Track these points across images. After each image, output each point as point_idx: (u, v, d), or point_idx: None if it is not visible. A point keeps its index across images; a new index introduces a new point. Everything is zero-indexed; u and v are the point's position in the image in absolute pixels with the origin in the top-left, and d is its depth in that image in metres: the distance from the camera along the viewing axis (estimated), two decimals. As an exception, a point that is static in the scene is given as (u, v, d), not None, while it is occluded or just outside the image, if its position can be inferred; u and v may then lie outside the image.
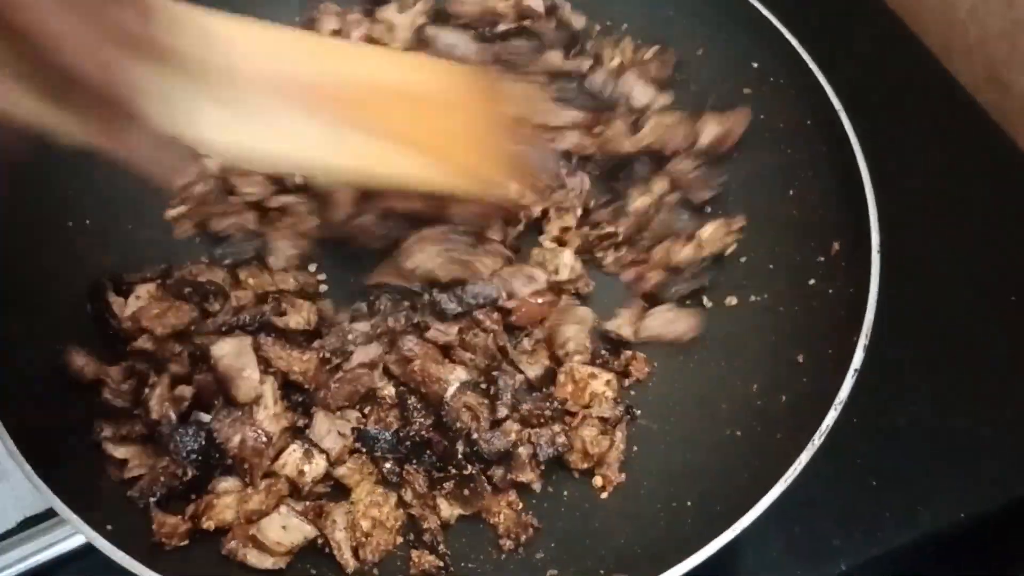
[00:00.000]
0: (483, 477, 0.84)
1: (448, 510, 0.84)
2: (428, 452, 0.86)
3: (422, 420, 0.86)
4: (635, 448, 0.91)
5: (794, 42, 0.99)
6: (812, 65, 0.97)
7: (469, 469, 0.84)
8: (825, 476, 0.94)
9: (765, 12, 1.02)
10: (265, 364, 0.87)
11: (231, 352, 0.85)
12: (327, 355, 0.88)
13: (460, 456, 0.84)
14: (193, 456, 0.81)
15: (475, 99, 0.87)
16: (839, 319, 0.85)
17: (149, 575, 0.71)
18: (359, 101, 0.78)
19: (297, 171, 0.95)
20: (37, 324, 0.87)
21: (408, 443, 0.85)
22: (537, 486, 0.86)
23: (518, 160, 0.89)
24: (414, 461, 0.86)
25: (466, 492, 0.83)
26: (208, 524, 0.80)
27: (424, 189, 0.87)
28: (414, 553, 0.82)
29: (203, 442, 0.82)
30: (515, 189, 0.93)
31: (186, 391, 0.85)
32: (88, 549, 0.79)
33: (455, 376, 0.87)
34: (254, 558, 0.78)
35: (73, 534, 0.80)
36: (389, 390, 0.89)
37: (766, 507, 0.73)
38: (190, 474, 0.81)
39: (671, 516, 0.82)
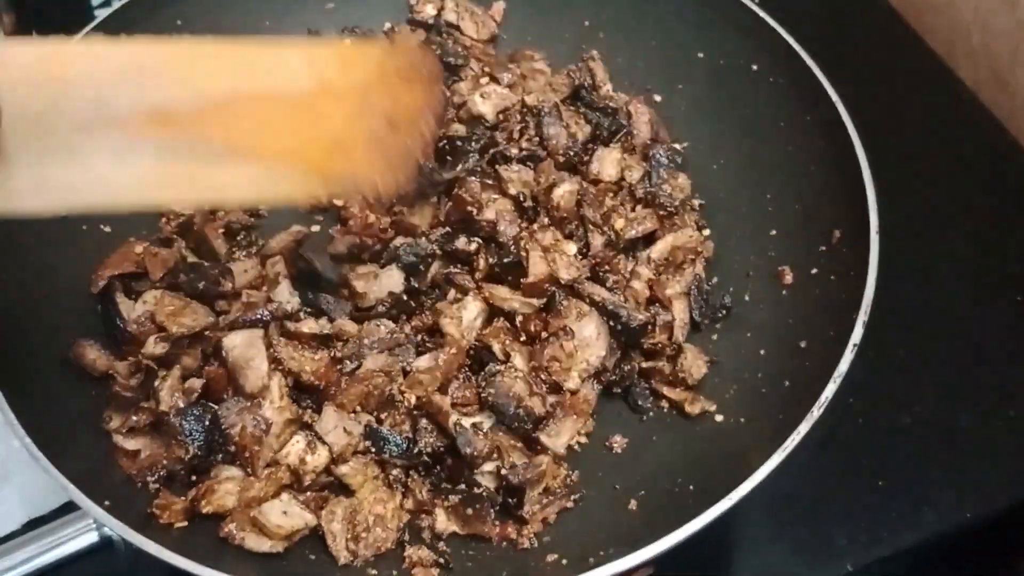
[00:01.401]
0: (488, 503, 0.83)
1: (444, 523, 0.83)
2: (438, 468, 0.86)
3: (431, 439, 0.86)
4: (638, 436, 0.91)
5: (791, 40, 1.01)
6: (811, 63, 0.99)
7: (480, 489, 0.84)
8: (831, 476, 0.94)
9: (762, 14, 1.04)
10: (276, 363, 0.87)
11: (241, 344, 0.87)
12: (338, 355, 0.89)
13: (473, 479, 0.84)
14: (197, 435, 0.82)
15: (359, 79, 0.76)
16: (840, 303, 0.85)
17: (152, 547, 0.71)
18: (210, 115, 0.66)
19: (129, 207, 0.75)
20: (47, 317, 0.89)
21: (418, 452, 0.85)
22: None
23: (384, 150, 0.77)
24: (421, 471, 0.86)
25: (469, 511, 0.83)
26: (207, 508, 0.80)
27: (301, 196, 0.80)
28: (410, 549, 0.81)
29: (207, 423, 0.83)
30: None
31: (196, 383, 0.86)
32: (94, 548, 0.80)
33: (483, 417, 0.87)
34: (252, 541, 0.79)
35: (79, 534, 0.81)
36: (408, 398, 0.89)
37: (764, 476, 0.73)
38: (191, 452, 0.82)
39: (673, 499, 0.82)
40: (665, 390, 0.92)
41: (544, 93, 1.08)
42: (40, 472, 0.75)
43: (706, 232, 1.03)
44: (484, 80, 1.08)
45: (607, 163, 1.03)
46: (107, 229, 0.99)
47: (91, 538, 0.80)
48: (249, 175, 0.69)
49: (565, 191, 0.98)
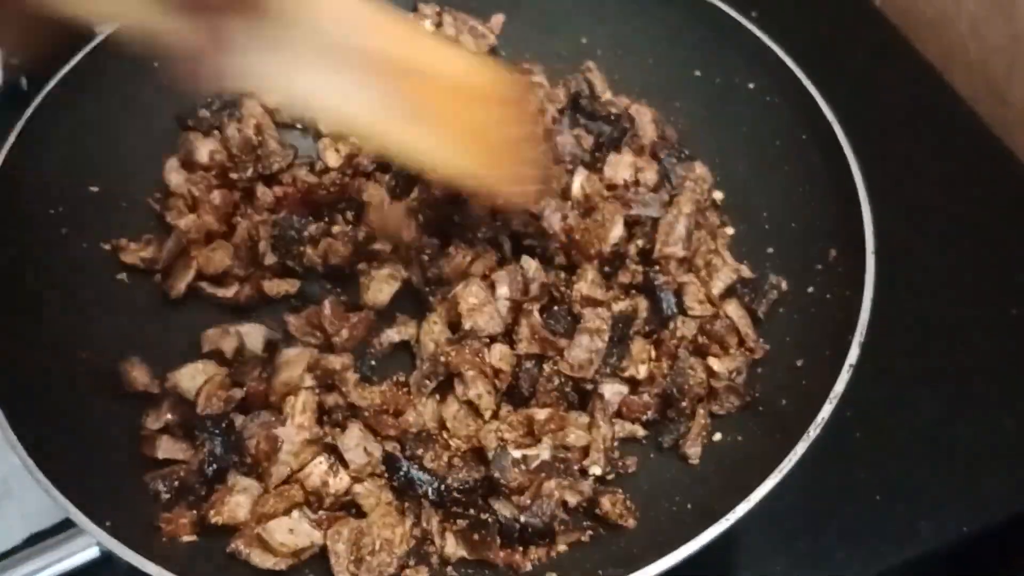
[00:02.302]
0: (495, 528, 0.82)
1: (453, 547, 0.82)
2: (456, 508, 0.84)
3: (463, 475, 0.84)
4: (638, 456, 0.91)
5: (787, 59, 1.01)
6: (806, 81, 1.00)
7: (485, 515, 0.83)
8: (829, 491, 0.94)
9: (759, 33, 1.05)
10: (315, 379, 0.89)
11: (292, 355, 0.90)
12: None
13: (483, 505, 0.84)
14: (215, 435, 0.84)
15: (505, 99, 0.91)
16: (837, 322, 0.86)
17: (152, 568, 0.72)
18: (406, 77, 0.83)
19: (334, 124, 1.03)
20: (47, 333, 0.90)
21: (447, 489, 0.83)
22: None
23: (531, 162, 0.94)
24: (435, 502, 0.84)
25: (476, 537, 0.82)
26: (217, 519, 0.80)
27: (443, 173, 0.91)
28: (408, 571, 0.81)
29: (225, 426, 0.85)
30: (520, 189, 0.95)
31: (237, 393, 0.88)
32: (95, 563, 0.80)
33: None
34: (257, 557, 0.79)
35: (79, 551, 0.81)
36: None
37: (761, 498, 0.74)
38: (208, 449, 0.83)
39: (670, 520, 0.83)
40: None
41: (541, 104, 1.08)
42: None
43: (729, 231, 1.03)
44: None
45: (621, 167, 1.03)
46: (106, 247, 1.00)
47: (92, 553, 0.80)
48: (431, 143, 0.85)
49: (580, 182, 1.01)
